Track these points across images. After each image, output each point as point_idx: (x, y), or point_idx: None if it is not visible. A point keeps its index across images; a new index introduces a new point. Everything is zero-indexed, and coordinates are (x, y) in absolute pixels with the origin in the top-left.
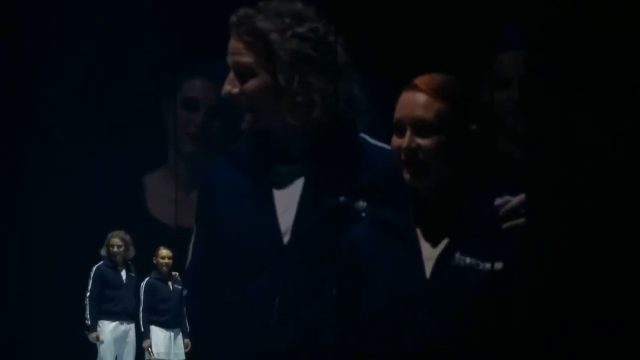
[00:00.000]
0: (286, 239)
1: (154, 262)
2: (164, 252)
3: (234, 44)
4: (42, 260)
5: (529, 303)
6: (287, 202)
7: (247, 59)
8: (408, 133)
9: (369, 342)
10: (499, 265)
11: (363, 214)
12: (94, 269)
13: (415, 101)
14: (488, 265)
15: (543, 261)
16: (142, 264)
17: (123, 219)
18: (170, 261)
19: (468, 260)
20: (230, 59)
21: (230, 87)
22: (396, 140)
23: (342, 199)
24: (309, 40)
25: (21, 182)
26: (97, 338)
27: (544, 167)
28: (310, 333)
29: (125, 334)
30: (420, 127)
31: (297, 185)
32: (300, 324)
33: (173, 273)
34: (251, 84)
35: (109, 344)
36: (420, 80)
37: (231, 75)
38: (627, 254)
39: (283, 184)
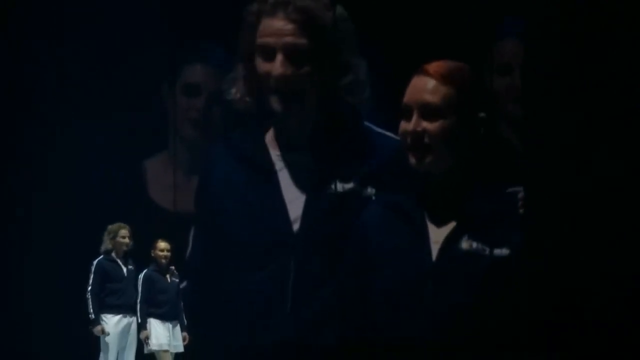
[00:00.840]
0: (295, 227)
1: (152, 254)
2: (162, 244)
3: (281, 24)
4: (41, 253)
5: (532, 290)
6: (295, 190)
7: (303, 40)
8: (415, 117)
9: (374, 326)
10: (505, 252)
11: (373, 198)
12: (94, 262)
13: (423, 85)
14: (496, 251)
15: (545, 250)
16: (142, 256)
17: (123, 209)
18: (169, 253)
19: (475, 245)
20: (276, 41)
21: (283, 69)
22: (403, 125)
23: (350, 186)
24: (348, 20)
25: (20, 176)
26: (103, 331)
27: (544, 160)
28: (319, 321)
29: (128, 326)
30: (426, 110)
31: (305, 174)
32: (310, 314)
33: (171, 267)
34: (310, 67)
35: (113, 338)
36: (430, 66)
37: (280, 57)
38: (628, 245)
39: (290, 172)
